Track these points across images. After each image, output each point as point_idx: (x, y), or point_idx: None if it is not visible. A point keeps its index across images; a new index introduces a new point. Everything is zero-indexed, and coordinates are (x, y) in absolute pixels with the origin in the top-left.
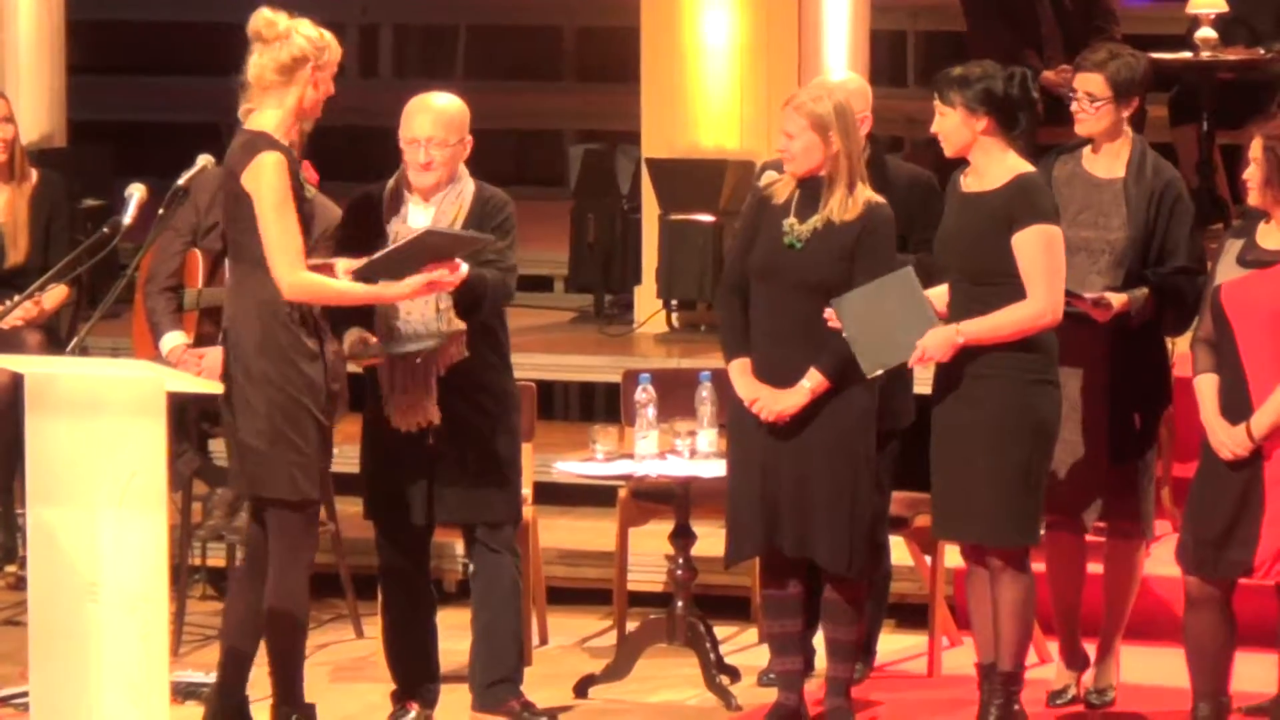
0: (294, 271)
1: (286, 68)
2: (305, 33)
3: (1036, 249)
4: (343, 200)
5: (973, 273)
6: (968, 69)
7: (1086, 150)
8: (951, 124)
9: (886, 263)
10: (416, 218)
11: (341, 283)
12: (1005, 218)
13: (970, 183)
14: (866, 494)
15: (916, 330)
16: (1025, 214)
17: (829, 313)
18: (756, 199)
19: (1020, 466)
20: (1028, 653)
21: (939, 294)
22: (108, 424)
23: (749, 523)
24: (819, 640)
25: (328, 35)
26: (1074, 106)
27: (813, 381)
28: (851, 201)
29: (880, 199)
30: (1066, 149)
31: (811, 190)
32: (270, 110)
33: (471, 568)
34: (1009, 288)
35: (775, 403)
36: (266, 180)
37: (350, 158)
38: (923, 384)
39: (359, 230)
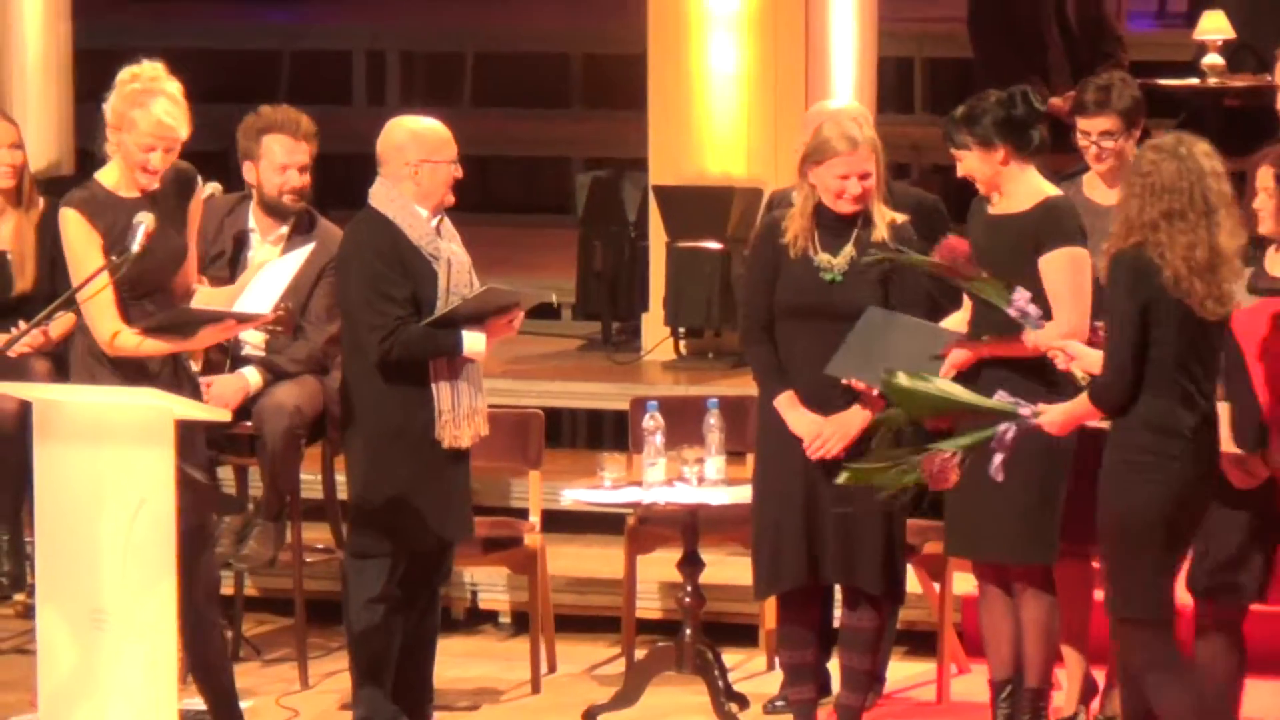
0: (106, 328)
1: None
2: (119, 93)
3: (1064, 271)
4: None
5: None
6: (970, 106)
7: (1088, 176)
8: (973, 164)
9: (916, 280)
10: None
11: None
12: (1032, 240)
13: (997, 205)
14: (901, 517)
15: (934, 343)
16: (1052, 237)
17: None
18: (769, 240)
19: (1036, 485)
20: (1054, 670)
21: (959, 317)
22: (116, 452)
23: (791, 554)
24: (833, 665)
25: (138, 103)
26: (1092, 151)
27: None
28: (879, 222)
29: (903, 217)
30: (1067, 175)
31: (830, 223)
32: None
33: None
34: None
35: (844, 432)
36: (63, 236)
37: (358, 185)
38: None
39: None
